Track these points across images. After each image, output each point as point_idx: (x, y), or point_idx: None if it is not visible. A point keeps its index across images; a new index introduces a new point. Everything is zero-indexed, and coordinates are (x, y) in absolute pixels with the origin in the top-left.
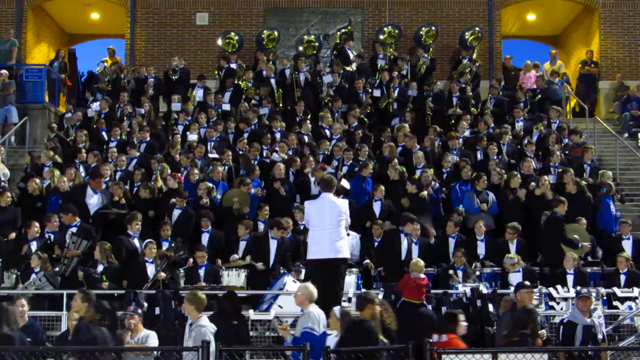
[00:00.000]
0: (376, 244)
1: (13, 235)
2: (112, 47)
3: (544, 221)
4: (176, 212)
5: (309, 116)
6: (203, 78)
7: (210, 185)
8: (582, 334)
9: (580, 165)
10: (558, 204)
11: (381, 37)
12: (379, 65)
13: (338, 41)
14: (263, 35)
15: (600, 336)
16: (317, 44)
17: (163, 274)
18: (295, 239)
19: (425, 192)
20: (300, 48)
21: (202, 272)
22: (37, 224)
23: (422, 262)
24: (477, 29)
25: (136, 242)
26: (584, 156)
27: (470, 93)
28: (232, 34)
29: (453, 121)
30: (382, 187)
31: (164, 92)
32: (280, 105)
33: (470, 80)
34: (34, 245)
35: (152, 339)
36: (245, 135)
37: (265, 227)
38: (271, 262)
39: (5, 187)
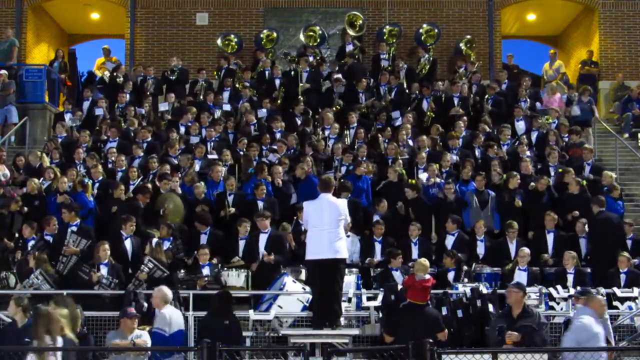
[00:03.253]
0: (376, 243)
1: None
2: (107, 46)
3: (601, 220)
4: None
5: (309, 116)
6: (202, 69)
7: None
8: None
9: (580, 165)
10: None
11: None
12: (382, 66)
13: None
14: (262, 35)
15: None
16: (319, 33)
17: (144, 274)
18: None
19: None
20: (302, 37)
21: (205, 270)
22: (34, 224)
23: (427, 263)
24: (468, 36)
25: (127, 243)
26: (584, 156)
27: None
28: (232, 35)
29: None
30: (385, 204)
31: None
32: (279, 103)
33: (469, 87)
34: (30, 246)
35: (146, 338)
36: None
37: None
38: (260, 256)
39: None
